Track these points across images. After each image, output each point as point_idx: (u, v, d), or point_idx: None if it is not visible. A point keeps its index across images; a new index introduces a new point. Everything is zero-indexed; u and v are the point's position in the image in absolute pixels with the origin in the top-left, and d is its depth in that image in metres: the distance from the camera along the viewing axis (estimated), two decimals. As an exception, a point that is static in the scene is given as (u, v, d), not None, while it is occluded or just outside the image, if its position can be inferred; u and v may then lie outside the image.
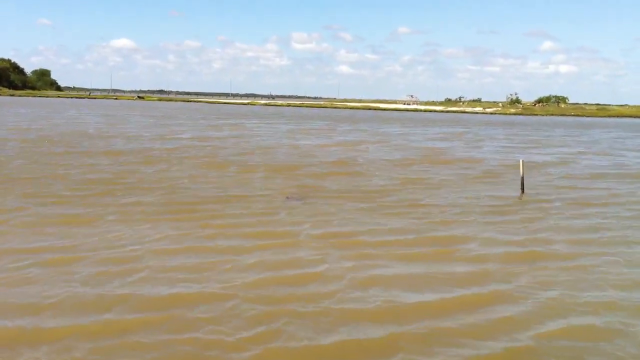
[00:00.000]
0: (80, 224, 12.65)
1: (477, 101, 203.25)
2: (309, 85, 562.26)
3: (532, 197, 18.14)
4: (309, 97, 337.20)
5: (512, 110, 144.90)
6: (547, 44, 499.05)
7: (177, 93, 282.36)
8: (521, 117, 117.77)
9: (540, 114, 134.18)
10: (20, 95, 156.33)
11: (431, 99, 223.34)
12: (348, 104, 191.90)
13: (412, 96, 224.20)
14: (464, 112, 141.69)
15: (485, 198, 17.65)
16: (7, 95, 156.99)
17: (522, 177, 19.09)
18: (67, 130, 38.79)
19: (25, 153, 24.60)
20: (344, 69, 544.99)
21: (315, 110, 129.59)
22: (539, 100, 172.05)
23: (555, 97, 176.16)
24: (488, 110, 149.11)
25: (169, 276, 9.42)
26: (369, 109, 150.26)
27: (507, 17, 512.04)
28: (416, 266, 10.53)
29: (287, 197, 16.70)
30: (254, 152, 28.64)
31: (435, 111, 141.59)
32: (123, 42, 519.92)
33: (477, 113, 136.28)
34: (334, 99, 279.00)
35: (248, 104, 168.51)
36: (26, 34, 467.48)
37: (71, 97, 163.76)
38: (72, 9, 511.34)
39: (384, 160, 26.78)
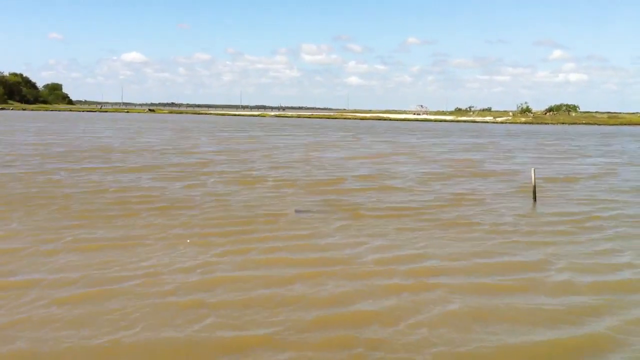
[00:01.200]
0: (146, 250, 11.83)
1: (487, 110, 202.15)
2: (318, 97, 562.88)
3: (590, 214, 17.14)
4: (318, 108, 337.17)
5: (523, 120, 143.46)
6: (556, 53, 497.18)
7: (188, 106, 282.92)
8: (540, 126, 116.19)
9: (551, 123, 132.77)
10: (32, 110, 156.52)
11: (441, 109, 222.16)
12: (358, 114, 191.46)
13: (421, 106, 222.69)
14: (474, 121, 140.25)
15: (548, 215, 16.66)
16: (19, 109, 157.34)
17: (534, 187, 18.91)
18: (92, 144, 38.08)
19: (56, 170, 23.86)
20: (354, 79, 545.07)
21: (328, 121, 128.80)
22: (550, 109, 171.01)
23: (566, 105, 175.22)
24: (498, 119, 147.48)
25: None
26: (379, 119, 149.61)
27: (515, 26, 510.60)
28: (503, 298, 9.56)
29: (296, 210, 16.19)
30: (283, 166, 27.71)
31: (445, 121, 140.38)
32: (133, 56, 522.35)
33: (487, 122, 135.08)
34: (344, 110, 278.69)
35: (258, 115, 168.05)
36: (37, 49, 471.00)
37: (82, 111, 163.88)
38: (83, 23, 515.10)
39: (421, 173, 25.82)
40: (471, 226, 14.86)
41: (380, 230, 14.02)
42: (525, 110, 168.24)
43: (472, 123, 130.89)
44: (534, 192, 18.96)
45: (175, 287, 9.57)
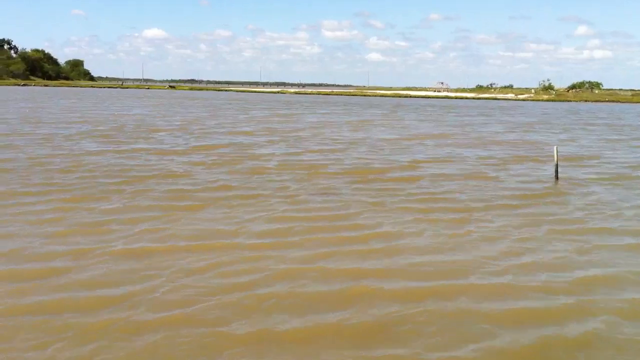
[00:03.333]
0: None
1: (509, 88, 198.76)
2: (338, 73, 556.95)
3: None
4: (338, 85, 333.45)
5: (545, 97, 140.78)
6: (581, 29, 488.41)
7: (208, 82, 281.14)
8: (564, 103, 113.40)
9: (574, 100, 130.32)
10: (54, 85, 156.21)
11: (461, 86, 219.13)
12: (378, 91, 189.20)
13: (442, 83, 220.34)
14: (495, 98, 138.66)
15: None
16: (42, 85, 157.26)
17: (557, 165, 18.82)
18: (134, 122, 36.65)
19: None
20: (375, 56, 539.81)
21: (350, 98, 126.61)
22: (572, 87, 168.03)
23: (589, 82, 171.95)
24: (520, 96, 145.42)
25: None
26: (400, 96, 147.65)
27: (540, 2, 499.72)
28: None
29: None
30: (341, 149, 26.04)
31: (466, 98, 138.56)
32: (155, 32, 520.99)
33: (508, 99, 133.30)
34: (364, 87, 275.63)
35: (278, 92, 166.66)
36: (60, 25, 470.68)
37: (104, 87, 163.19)
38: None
39: (494, 157, 24.01)
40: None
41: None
42: (548, 88, 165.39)
43: (493, 100, 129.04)
44: (556, 170, 18.79)
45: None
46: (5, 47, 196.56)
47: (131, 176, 17.10)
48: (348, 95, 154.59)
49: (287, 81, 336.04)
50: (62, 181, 16.04)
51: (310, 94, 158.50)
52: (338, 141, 28.84)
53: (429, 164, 21.44)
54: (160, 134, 30.23)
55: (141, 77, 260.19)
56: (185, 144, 25.95)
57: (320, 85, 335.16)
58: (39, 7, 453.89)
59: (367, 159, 22.43)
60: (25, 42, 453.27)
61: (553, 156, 19.08)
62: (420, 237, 11.45)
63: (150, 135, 29.13)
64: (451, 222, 12.65)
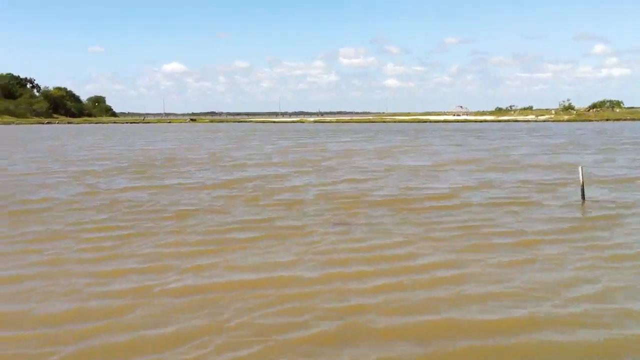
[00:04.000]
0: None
1: (529, 109, 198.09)
2: (356, 100, 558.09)
3: None
4: (356, 113, 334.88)
5: (566, 117, 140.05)
6: (598, 47, 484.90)
7: (228, 114, 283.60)
8: (585, 123, 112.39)
9: (595, 120, 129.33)
10: (77, 123, 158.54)
11: (480, 109, 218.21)
12: (397, 117, 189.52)
13: (461, 107, 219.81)
14: (516, 120, 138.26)
15: None
16: (65, 122, 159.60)
17: (582, 185, 18.52)
18: (162, 156, 36.84)
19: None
20: (392, 82, 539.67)
21: (370, 125, 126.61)
22: (593, 106, 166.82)
23: (610, 101, 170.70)
24: (541, 118, 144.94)
25: None
26: (419, 121, 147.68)
27: (554, 21, 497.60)
28: None
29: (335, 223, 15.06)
30: (373, 177, 25.82)
31: (486, 121, 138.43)
32: (173, 66, 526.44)
33: (529, 121, 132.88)
34: (383, 113, 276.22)
35: (297, 121, 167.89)
36: (80, 62, 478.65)
37: (126, 123, 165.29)
38: (123, 35, 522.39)
39: (532, 181, 23.57)
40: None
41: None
42: (568, 108, 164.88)
43: (514, 122, 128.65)
44: (582, 191, 18.46)
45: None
46: (28, 86, 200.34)
47: (173, 211, 16.99)
48: (367, 122, 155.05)
49: (305, 110, 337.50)
50: (105, 219, 15.98)
51: (329, 122, 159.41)
52: (369, 170, 28.61)
53: (469, 191, 21.07)
54: (190, 167, 30.30)
55: (162, 112, 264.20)
56: (217, 177, 25.89)
57: (339, 113, 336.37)
58: (58, 45, 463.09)
59: (404, 187, 22.13)
60: (48, 80, 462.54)
61: (580, 177, 18.60)
62: (482, 265, 11.11)
63: (181, 170, 29.18)
64: (509, 248, 12.33)
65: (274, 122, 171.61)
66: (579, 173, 18.73)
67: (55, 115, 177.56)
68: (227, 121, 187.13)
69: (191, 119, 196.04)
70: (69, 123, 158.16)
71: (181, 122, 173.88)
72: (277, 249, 12.45)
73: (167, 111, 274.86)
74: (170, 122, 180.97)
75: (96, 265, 11.27)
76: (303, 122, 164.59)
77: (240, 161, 34.15)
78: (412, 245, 12.77)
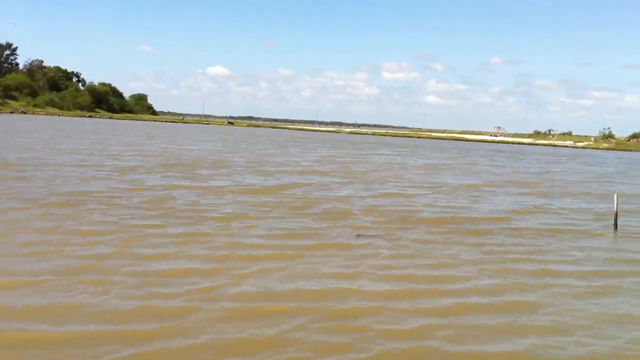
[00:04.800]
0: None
1: (567, 134, 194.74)
2: (394, 115, 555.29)
3: None
4: (393, 127, 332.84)
5: (605, 145, 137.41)
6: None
7: (266, 120, 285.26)
8: (635, 154, 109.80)
9: (635, 150, 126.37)
10: (118, 118, 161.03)
11: (519, 131, 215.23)
12: (433, 134, 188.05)
13: (499, 128, 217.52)
14: (554, 145, 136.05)
15: None
16: (106, 117, 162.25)
17: (616, 213, 18.46)
18: (207, 157, 36.86)
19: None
20: (432, 99, 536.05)
21: (407, 140, 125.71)
22: (634, 136, 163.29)
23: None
24: (579, 144, 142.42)
25: None
26: (456, 139, 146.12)
27: (605, 49, 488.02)
28: None
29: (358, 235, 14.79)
30: (422, 194, 25.30)
31: (523, 144, 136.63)
32: (218, 70, 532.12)
33: (567, 147, 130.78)
34: (419, 129, 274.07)
35: (334, 131, 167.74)
36: (128, 60, 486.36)
37: (166, 121, 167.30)
38: (173, 36, 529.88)
39: (590, 211, 22.78)
40: None
41: None
42: (608, 136, 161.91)
43: (552, 147, 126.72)
44: (615, 220, 18.40)
45: None
46: (74, 79, 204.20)
47: (224, 213, 16.74)
48: (404, 136, 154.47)
49: (342, 121, 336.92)
50: (155, 216, 15.80)
51: (365, 134, 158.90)
52: (416, 185, 28.12)
53: (524, 214, 20.43)
54: (234, 170, 30.15)
55: (201, 113, 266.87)
56: (261, 183, 25.63)
57: (375, 125, 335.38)
58: (110, 42, 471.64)
59: (455, 206, 21.55)
60: (94, 75, 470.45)
61: (614, 206, 18.42)
62: (551, 293, 10.56)
63: (226, 172, 29.05)
64: (579, 280, 11.76)
65: (311, 130, 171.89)
66: (613, 202, 18.53)
67: (97, 110, 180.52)
68: (264, 126, 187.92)
69: (229, 122, 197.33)
70: (110, 118, 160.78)
71: (219, 125, 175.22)
72: (329, 260, 12.04)
73: (206, 113, 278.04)
74: (208, 123, 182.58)
75: (155, 263, 11.02)
76: (339, 132, 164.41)
77: (283, 167, 33.88)
78: (475, 266, 12.26)
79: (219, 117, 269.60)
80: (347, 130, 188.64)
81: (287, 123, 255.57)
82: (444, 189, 27.28)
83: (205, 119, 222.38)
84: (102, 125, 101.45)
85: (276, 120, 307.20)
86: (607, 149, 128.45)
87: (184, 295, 9.34)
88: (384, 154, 58.02)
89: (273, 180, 26.42)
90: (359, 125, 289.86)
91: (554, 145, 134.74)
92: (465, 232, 16.31)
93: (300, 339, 7.89)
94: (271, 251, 12.59)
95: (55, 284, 9.46)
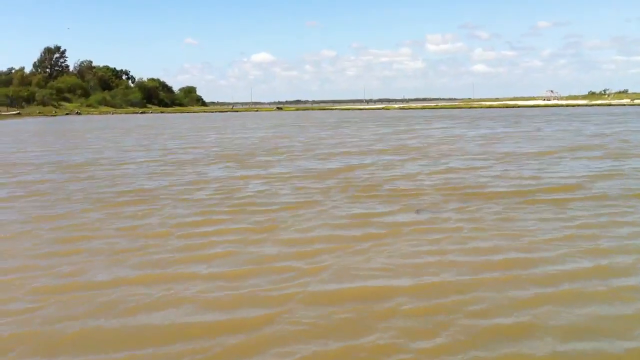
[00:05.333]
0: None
1: (624, 93, 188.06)
2: (441, 87, 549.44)
3: None
4: (441, 99, 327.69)
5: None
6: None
7: (313, 102, 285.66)
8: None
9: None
10: (169, 112, 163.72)
11: (572, 94, 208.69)
12: (484, 102, 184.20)
13: (552, 91, 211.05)
14: (610, 104, 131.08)
15: None
16: (158, 112, 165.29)
17: None
18: (267, 144, 36.70)
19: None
20: (480, 67, 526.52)
21: (459, 111, 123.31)
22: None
23: None
24: (637, 101, 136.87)
25: None
26: (507, 106, 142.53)
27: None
28: None
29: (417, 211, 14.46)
30: (488, 165, 24.33)
31: (578, 105, 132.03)
32: (262, 56, 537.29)
33: (624, 105, 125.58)
34: (469, 99, 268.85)
35: (383, 108, 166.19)
36: (174, 54, 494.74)
37: (216, 112, 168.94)
38: (216, 27, 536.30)
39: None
40: None
41: None
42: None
43: (608, 106, 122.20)
44: None
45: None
46: (124, 77, 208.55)
47: (292, 203, 16.30)
48: (454, 107, 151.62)
49: (390, 97, 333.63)
50: (224, 208, 15.49)
51: (415, 108, 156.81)
52: (481, 157, 27.08)
53: (603, 179, 19.28)
54: (294, 154, 29.79)
55: (249, 100, 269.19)
56: (326, 166, 25.15)
57: (424, 99, 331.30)
58: (155, 38, 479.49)
59: (526, 176, 20.46)
60: (143, 71, 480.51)
61: None
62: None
63: (288, 158, 28.70)
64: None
65: (360, 109, 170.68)
66: None
67: (148, 105, 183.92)
68: (312, 109, 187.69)
69: (278, 107, 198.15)
70: (161, 112, 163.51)
71: (269, 110, 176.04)
72: (409, 249, 11.37)
73: (254, 100, 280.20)
74: (257, 110, 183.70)
75: (222, 263, 10.65)
76: (388, 109, 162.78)
77: (341, 149, 33.25)
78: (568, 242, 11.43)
79: (267, 103, 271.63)
80: (397, 106, 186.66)
81: (334, 104, 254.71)
82: (510, 158, 26.18)
83: (254, 106, 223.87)
84: (155, 119, 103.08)
85: (323, 101, 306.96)
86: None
87: (264, 301, 8.91)
88: (439, 128, 56.74)
89: (335, 163, 25.87)
90: (407, 101, 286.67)
91: (610, 105, 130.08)
92: (545, 201, 15.41)
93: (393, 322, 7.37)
94: (353, 232, 12.07)
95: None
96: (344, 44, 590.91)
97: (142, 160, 28.84)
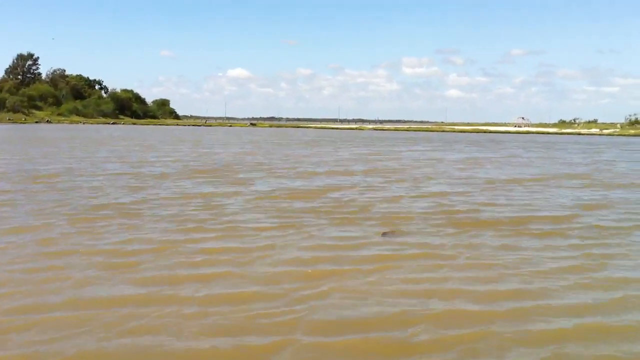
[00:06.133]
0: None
1: (593, 122, 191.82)
2: (415, 110, 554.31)
3: None
4: (415, 122, 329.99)
5: (632, 132, 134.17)
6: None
7: (287, 119, 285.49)
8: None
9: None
10: (142, 124, 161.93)
11: (543, 121, 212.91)
12: (456, 127, 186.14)
13: (523, 118, 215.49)
14: (579, 134, 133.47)
15: None
16: (130, 123, 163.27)
17: None
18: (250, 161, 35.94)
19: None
20: (453, 92, 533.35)
21: (431, 134, 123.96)
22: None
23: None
24: (605, 131, 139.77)
25: None
26: (479, 132, 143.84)
27: (630, 35, 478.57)
28: None
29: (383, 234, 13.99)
30: (473, 191, 23.98)
31: (548, 133, 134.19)
32: (238, 72, 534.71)
33: (593, 134, 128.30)
34: (442, 123, 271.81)
35: (356, 128, 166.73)
36: (149, 66, 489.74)
37: (189, 125, 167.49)
38: (193, 40, 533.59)
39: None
40: None
41: None
42: (634, 122, 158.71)
43: (578, 135, 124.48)
44: None
45: None
46: (97, 87, 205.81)
47: (279, 223, 15.61)
48: (427, 130, 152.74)
49: (364, 118, 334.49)
50: (222, 225, 14.75)
51: (388, 130, 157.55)
52: (468, 182, 26.74)
53: (597, 209, 18.99)
54: (275, 171, 29.13)
55: (224, 115, 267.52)
56: (309, 185, 24.58)
57: (397, 121, 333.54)
58: (131, 49, 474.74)
59: (519, 204, 20.11)
60: (117, 82, 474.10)
61: None
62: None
63: (269, 175, 28.02)
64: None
65: (334, 128, 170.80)
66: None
67: (120, 117, 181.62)
68: (286, 126, 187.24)
69: (251, 123, 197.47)
70: (133, 124, 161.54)
71: (242, 126, 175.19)
72: (411, 274, 10.82)
73: (228, 115, 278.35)
74: (231, 125, 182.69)
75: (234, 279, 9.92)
76: (362, 129, 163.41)
77: (322, 168, 32.65)
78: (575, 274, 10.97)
79: (241, 119, 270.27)
80: (370, 127, 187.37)
81: (308, 122, 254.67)
82: (496, 184, 25.90)
83: (227, 121, 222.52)
84: (127, 131, 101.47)
85: (298, 119, 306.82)
86: (635, 135, 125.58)
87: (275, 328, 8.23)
88: (417, 150, 56.64)
89: (317, 182, 25.30)
90: (381, 122, 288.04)
91: (580, 134, 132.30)
92: (545, 233, 14.96)
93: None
94: (332, 266, 11.40)
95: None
96: (320, 62, 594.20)
97: (118, 172, 27.85)
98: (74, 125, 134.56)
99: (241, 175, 27.47)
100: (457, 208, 18.61)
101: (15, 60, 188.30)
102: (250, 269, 10.80)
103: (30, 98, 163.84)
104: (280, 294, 9.42)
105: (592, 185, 25.93)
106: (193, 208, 17.53)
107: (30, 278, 9.97)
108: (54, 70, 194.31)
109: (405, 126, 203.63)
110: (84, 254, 11.62)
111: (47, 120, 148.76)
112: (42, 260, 11.13)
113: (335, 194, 21.35)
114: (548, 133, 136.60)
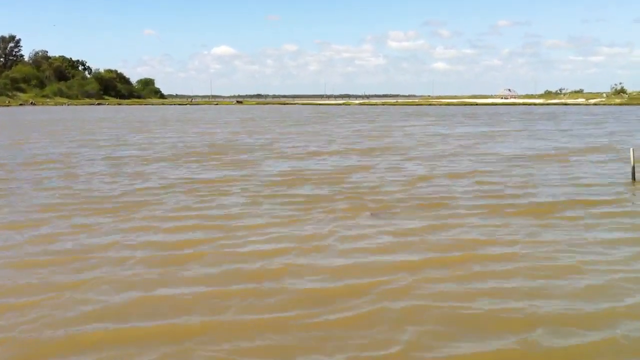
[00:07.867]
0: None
1: (579, 92, 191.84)
2: (402, 84, 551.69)
3: None
4: (402, 95, 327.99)
5: (617, 101, 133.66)
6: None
7: (274, 97, 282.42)
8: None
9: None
10: (127, 104, 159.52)
11: (529, 93, 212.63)
12: (443, 100, 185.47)
13: (509, 90, 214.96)
14: (565, 104, 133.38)
15: None
16: (115, 104, 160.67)
17: (633, 167, 18.27)
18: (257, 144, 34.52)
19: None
20: (440, 65, 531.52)
21: (421, 108, 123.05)
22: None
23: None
24: (591, 101, 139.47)
25: None
26: (466, 104, 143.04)
27: (616, 4, 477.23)
28: None
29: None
30: (490, 170, 22.81)
31: (534, 104, 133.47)
32: (223, 49, 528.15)
33: (579, 104, 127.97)
34: (429, 97, 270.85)
35: (343, 104, 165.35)
36: (133, 45, 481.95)
37: (175, 104, 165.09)
38: (176, 19, 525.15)
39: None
40: None
41: None
42: (620, 92, 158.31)
43: (563, 105, 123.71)
44: (633, 172, 18.20)
45: None
46: (80, 68, 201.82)
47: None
48: (415, 105, 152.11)
49: (351, 93, 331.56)
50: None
51: (375, 104, 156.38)
52: (487, 159, 25.42)
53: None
54: (279, 152, 27.81)
55: (209, 94, 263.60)
56: (324, 166, 23.32)
57: (384, 95, 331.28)
58: (114, 29, 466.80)
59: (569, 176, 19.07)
60: (101, 62, 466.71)
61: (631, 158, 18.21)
62: None
63: (280, 156, 26.70)
64: None
65: (321, 104, 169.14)
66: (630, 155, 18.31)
67: (105, 97, 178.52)
68: (272, 103, 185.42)
69: (238, 101, 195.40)
70: (118, 104, 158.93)
71: (228, 104, 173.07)
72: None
73: (214, 93, 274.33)
74: (217, 104, 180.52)
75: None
76: (349, 104, 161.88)
77: (328, 147, 31.30)
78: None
79: (227, 97, 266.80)
80: (357, 102, 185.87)
81: (295, 98, 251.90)
82: (525, 158, 24.89)
83: (214, 100, 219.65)
84: (113, 112, 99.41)
85: (284, 96, 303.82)
86: (620, 104, 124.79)
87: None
88: (417, 125, 55.33)
89: (331, 163, 24.08)
90: (368, 97, 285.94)
91: (566, 104, 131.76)
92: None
93: None
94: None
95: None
96: (306, 38, 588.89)
97: (111, 156, 26.39)
98: (59, 107, 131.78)
99: (248, 156, 26.11)
100: (492, 187, 17.40)
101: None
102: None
103: (14, 80, 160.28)
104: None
105: (612, 160, 24.66)
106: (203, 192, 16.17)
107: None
108: (37, 52, 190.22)
109: (393, 100, 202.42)
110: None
111: (32, 103, 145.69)
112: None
113: (356, 176, 20.08)
114: (534, 104, 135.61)
